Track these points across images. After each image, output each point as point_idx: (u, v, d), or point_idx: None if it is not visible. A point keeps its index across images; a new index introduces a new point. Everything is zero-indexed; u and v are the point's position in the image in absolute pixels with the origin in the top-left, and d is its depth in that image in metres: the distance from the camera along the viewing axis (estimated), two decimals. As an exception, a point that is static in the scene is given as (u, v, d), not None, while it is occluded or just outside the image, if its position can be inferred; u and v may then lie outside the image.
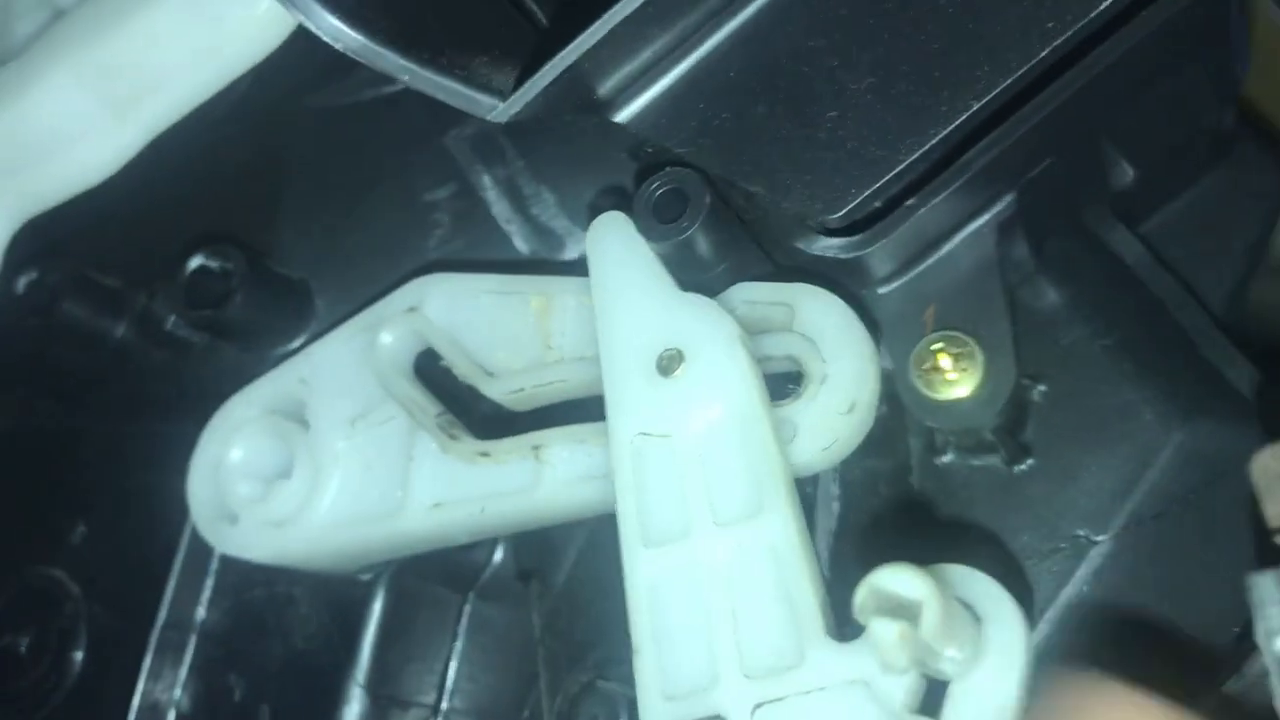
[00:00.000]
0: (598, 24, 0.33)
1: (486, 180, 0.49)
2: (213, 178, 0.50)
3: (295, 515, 0.43)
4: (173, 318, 0.51)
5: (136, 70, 0.44)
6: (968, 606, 0.31)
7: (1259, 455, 0.27)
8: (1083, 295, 0.43)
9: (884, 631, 0.29)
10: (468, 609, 0.50)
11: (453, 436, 0.42)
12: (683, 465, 0.35)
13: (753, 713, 0.33)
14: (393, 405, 0.43)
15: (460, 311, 0.43)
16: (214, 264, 0.47)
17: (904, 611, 0.29)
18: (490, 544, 0.51)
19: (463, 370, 0.42)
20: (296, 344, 0.50)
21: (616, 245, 0.38)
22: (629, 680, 0.44)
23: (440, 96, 0.33)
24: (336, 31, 0.32)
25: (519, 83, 0.33)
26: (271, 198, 0.49)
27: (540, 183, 0.48)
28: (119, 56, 0.44)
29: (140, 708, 0.49)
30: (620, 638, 0.45)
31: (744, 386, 0.35)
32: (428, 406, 0.42)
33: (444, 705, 0.49)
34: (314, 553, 0.44)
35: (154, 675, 0.49)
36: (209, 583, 0.51)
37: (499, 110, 0.32)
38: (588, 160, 0.47)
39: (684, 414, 0.36)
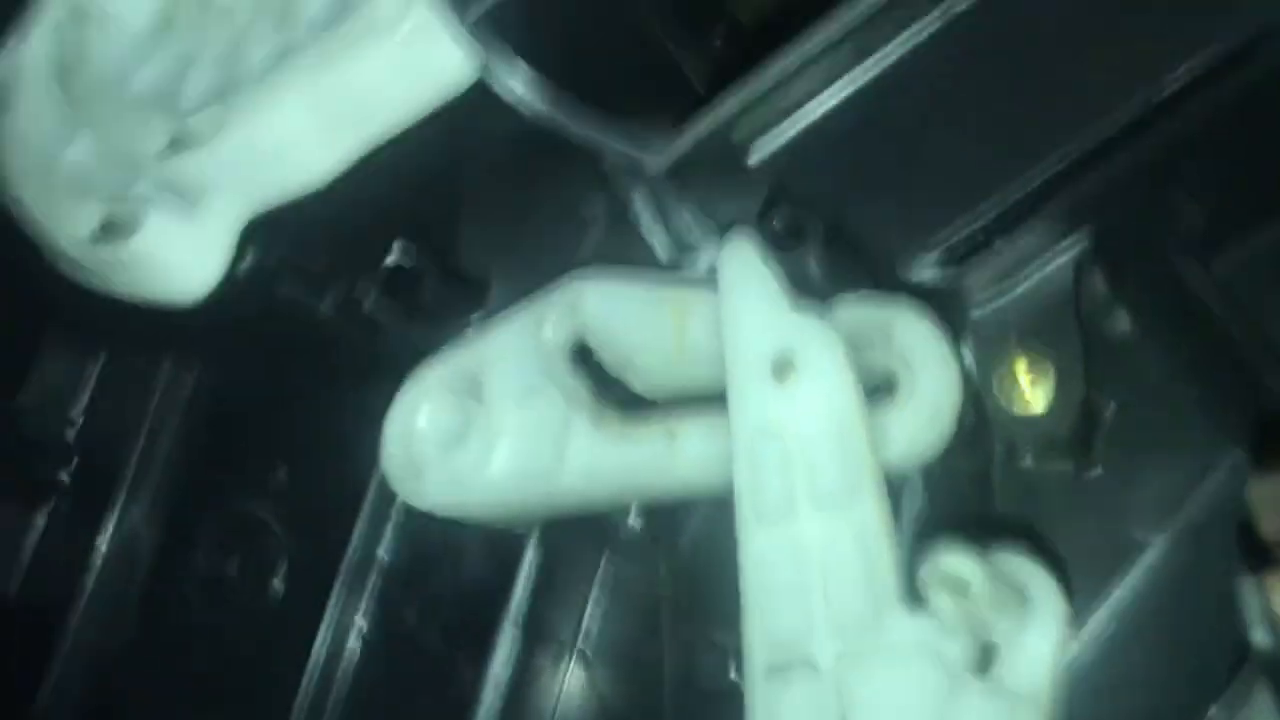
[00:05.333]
0: (746, 89, 0.40)
1: (635, 197, 0.57)
2: (408, 185, 0.58)
3: (470, 474, 0.52)
4: (369, 300, 0.60)
5: (356, 100, 0.53)
6: (1016, 586, 0.38)
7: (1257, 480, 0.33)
8: (1154, 325, 0.48)
9: (941, 602, 0.36)
10: (604, 564, 0.58)
11: (602, 417, 0.50)
12: (790, 458, 0.42)
13: (836, 660, 0.40)
14: (554, 387, 0.51)
15: (611, 311, 0.51)
16: (408, 258, 0.56)
17: (959, 585, 0.36)
18: (626, 510, 0.59)
19: (611, 363, 0.50)
20: (472, 327, 0.58)
21: (742, 265, 0.45)
22: (738, 634, 0.52)
23: (606, 149, 0.41)
24: (520, 98, 0.40)
25: (670, 133, 0.41)
26: (455, 206, 0.58)
27: (680, 201, 0.56)
28: (343, 89, 0.53)
29: (330, 626, 0.58)
30: (732, 598, 0.53)
31: (844, 394, 0.42)
32: (581, 391, 0.50)
33: (579, 644, 0.57)
34: (485, 506, 0.52)
35: (341, 601, 0.59)
36: (390, 526, 0.60)
37: (657, 163, 0.39)
38: (718, 185, 0.54)
39: (793, 415, 0.43)
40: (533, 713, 0.56)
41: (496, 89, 0.39)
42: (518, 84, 0.40)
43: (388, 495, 0.59)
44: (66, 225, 0.60)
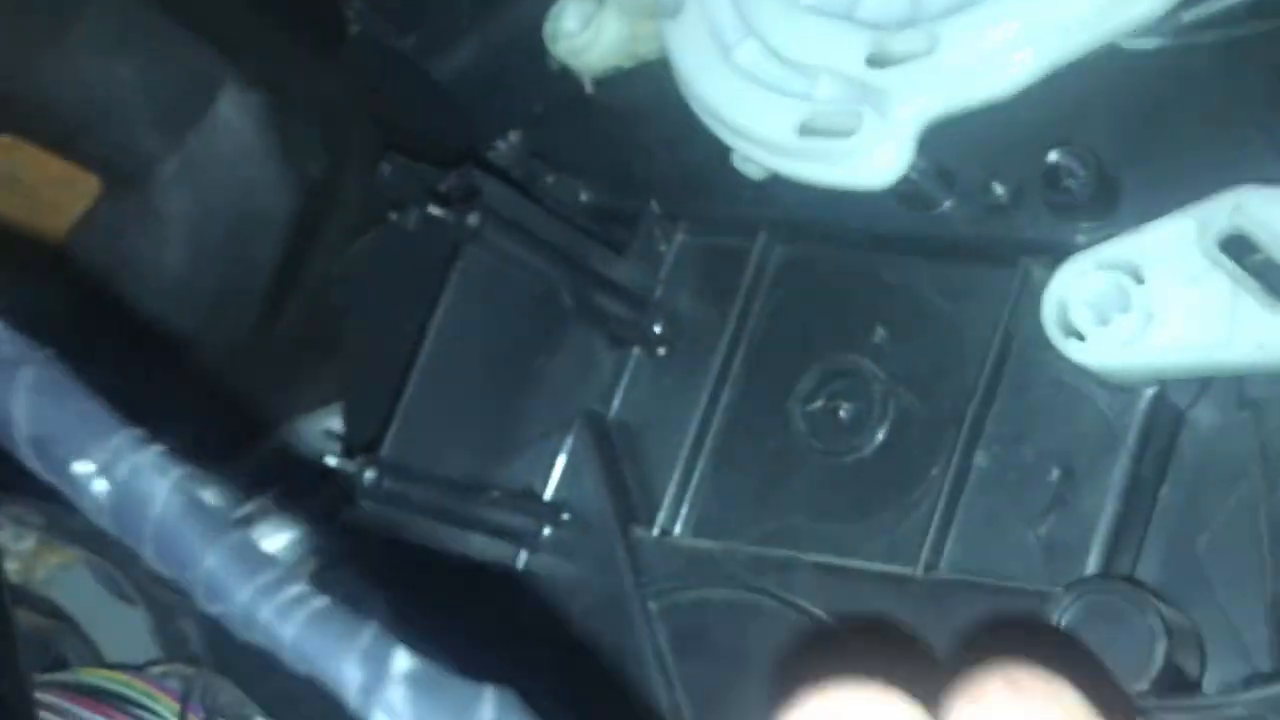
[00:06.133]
0: None
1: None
2: (1061, 97, 0.70)
3: (1133, 341, 0.64)
4: (1000, 194, 0.72)
5: (1052, 29, 0.65)
6: None
7: None
8: None
9: None
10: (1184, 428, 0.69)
11: (1270, 300, 0.61)
12: None
13: None
14: (1219, 272, 0.63)
15: (1273, 211, 0.62)
16: (1069, 161, 0.68)
17: None
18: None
19: (1272, 258, 0.62)
20: (1096, 224, 0.69)
21: None
22: None
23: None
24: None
25: None
26: (1119, 120, 0.69)
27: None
28: (1044, 19, 0.64)
29: (948, 459, 0.71)
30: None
31: None
32: (1248, 278, 0.62)
33: (1161, 491, 0.69)
34: (1142, 371, 0.65)
35: (963, 438, 0.71)
36: (999, 386, 0.72)
37: None
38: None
39: None
40: (1132, 543, 0.68)
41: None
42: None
43: (997, 361, 0.71)
44: (760, 120, 0.73)
